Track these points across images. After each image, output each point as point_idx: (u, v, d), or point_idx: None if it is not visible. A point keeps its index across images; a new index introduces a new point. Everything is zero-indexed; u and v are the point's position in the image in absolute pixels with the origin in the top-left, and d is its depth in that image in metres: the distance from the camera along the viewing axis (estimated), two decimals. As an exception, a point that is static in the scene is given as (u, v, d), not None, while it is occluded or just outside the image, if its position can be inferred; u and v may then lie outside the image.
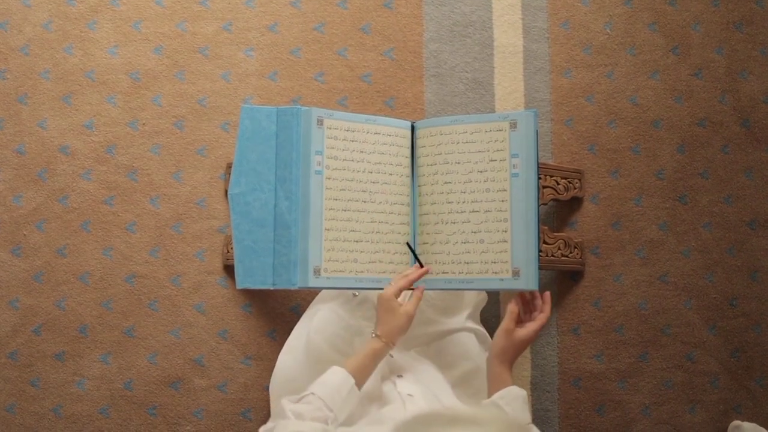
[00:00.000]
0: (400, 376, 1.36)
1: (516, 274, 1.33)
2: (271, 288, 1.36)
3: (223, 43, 1.79)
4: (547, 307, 1.33)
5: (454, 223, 1.38)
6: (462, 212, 1.37)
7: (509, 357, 1.30)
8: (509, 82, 1.78)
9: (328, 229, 1.36)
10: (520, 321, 1.33)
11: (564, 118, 1.78)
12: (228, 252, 1.73)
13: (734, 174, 1.77)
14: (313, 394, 1.21)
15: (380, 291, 1.34)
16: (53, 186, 1.76)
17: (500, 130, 1.36)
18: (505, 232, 1.34)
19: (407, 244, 1.41)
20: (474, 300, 1.54)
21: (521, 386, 1.35)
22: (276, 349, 1.56)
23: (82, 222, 1.76)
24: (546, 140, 1.77)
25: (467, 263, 1.36)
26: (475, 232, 1.36)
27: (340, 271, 1.36)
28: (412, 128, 1.43)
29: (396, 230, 1.41)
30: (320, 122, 1.37)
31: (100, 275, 1.75)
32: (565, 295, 1.75)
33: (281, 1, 1.80)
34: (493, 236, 1.35)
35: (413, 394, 1.32)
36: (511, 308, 1.31)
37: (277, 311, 1.75)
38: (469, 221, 1.37)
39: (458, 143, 1.39)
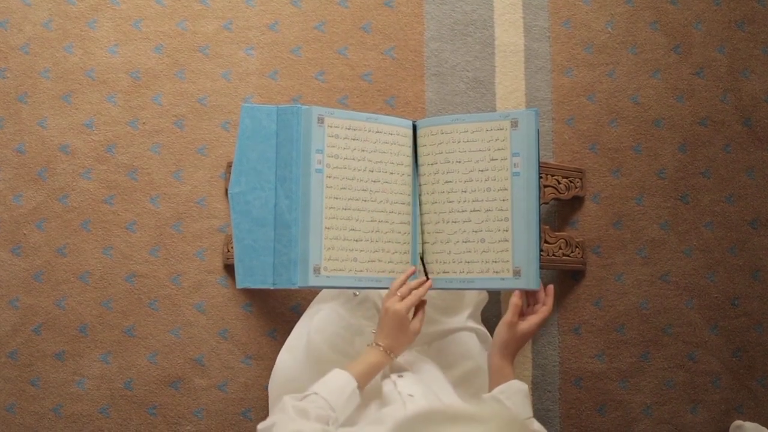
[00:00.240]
0: (400, 375, 1.35)
1: (517, 273, 1.33)
2: (272, 287, 1.36)
3: (224, 42, 1.79)
4: (550, 300, 1.33)
5: (455, 222, 1.37)
6: (463, 211, 1.37)
7: (511, 350, 1.31)
8: (510, 81, 1.78)
9: (328, 228, 1.35)
10: (522, 314, 1.33)
11: (565, 117, 1.77)
12: (228, 251, 1.73)
13: (736, 173, 1.77)
14: (316, 394, 1.21)
15: (394, 306, 1.30)
16: (53, 185, 1.76)
17: (501, 129, 1.36)
18: (506, 231, 1.34)
19: (420, 258, 1.40)
20: (475, 299, 1.54)
21: (522, 385, 1.35)
22: (276, 349, 1.56)
23: (82, 221, 1.75)
24: (547, 139, 1.76)
25: (468, 263, 1.36)
26: (476, 232, 1.36)
27: (340, 270, 1.36)
28: (414, 127, 1.43)
29: (396, 229, 1.40)
30: (321, 120, 1.36)
31: (100, 274, 1.74)
32: (566, 294, 1.75)
33: (282, 0, 1.80)
34: (494, 235, 1.34)
35: (414, 395, 1.31)
36: (515, 301, 1.31)
37: (278, 311, 1.75)
38: (470, 220, 1.36)
39: (459, 142, 1.38)
